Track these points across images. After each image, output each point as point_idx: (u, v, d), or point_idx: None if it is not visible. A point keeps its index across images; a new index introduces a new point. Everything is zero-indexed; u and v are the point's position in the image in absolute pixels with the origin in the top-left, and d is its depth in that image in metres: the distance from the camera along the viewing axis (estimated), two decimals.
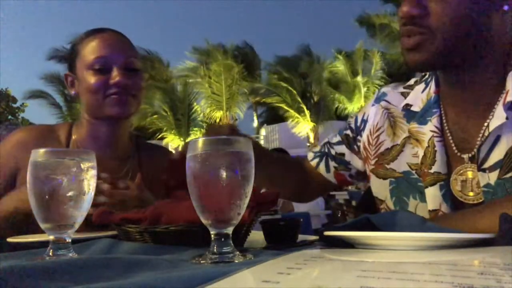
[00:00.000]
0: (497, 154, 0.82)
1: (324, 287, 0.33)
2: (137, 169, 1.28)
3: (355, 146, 1.11)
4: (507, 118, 0.79)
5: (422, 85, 0.99)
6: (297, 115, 16.64)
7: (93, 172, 0.68)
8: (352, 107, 16.16)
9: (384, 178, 1.02)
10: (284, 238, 0.78)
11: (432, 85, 0.95)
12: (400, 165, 0.98)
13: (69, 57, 1.25)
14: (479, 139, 0.85)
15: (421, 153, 0.92)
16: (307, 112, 16.54)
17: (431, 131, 0.91)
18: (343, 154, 1.13)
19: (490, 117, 0.83)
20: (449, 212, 0.88)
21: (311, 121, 16.55)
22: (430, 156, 0.90)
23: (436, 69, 0.91)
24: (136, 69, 1.21)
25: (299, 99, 16.54)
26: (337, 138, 1.15)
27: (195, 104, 17.85)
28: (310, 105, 16.77)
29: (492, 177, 0.83)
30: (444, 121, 0.92)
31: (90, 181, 0.68)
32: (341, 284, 0.34)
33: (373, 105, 1.08)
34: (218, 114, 17.55)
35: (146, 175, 1.29)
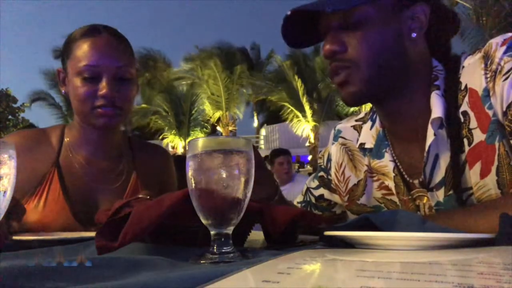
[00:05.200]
0: (440, 173, 0.86)
1: (324, 287, 0.33)
2: (131, 168, 1.27)
3: (332, 185, 1.13)
4: (435, 135, 0.83)
5: (369, 123, 1.02)
6: (298, 113, 16.59)
7: (6, 168, 0.57)
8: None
9: (358, 214, 1.04)
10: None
11: (377, 120, 0.99)
12: (369, 200, 1.02)
13: (62, 53, 1.21)
14: (423, 162, 0.87)
15: (392, 184, 0.95)
16: (308, 112, 16.48)
17: (390, 161, 0.95)
18: (322, 196, 1.16)
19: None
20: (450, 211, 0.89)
21: (313, 121, 16.49)
22: (403, 183, 0.93)
23: (369, 100, 0.92)
24: (128, 79, 1.16)
25: (301, 98, 16.48)
26: (315, 183, 1.17)
27: (196, 104, 17.85)
28: (313, 103, 16.68)
29: (440, 195, 0.87)
30: (393, 151, 0.95)
31: (4, 178, 0.57)
32: (341, 284, 0.34)
33: (332, 143, 1.12)
34: (217, 115, 17.55)
35: (141, 174, 1.28)
